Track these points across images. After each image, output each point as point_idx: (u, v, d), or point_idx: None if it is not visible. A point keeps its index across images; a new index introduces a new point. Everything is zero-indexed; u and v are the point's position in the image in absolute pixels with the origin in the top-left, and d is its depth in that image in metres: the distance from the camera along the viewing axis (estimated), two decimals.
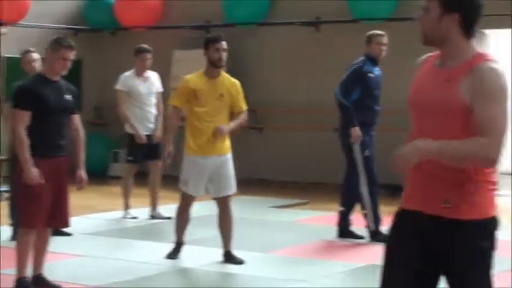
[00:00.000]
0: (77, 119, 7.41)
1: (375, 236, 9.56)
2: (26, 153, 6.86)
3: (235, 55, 13.07)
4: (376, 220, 9.62)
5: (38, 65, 8.87)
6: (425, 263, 3.82)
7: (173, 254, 8.49)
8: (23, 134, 6.92)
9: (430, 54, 3.99)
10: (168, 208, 11.08)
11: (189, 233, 8.90)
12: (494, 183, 3.80)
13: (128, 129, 10.92)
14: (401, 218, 3.91)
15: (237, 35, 14.32)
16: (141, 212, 11.15)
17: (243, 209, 11.33)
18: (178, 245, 8.54)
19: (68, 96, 7.24)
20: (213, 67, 8.21)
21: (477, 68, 3.71)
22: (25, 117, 6.94)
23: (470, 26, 3.83)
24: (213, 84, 8.25)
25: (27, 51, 9.44)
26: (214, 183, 8.36)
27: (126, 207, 11.08)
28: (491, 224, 3.79)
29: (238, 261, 8.39)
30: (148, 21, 16.43)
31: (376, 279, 3.93)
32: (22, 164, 6.90)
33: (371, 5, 14.14)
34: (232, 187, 8.47)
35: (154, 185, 11.09)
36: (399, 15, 13.68)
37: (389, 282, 3.91)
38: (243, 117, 8.57)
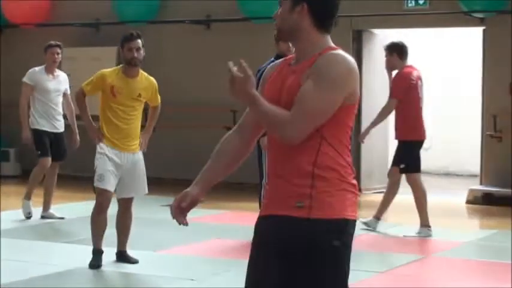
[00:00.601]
0: None
1: None
2: None
3: None
4: None
5: None
6: (281, 264, 3.76)
7: (95, 262, 8.17)
8: None
9: (285, 58, 3.97)
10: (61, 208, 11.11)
11: (79, 233, 8.88)
12: (349, 182, 3.76)
13: (33, 124, 10.73)
14: (259, 226, 3.87)
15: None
16: (34, 211, 10.95)
17: (135, 207, 11.42)
18: (98, 251, 8.20)
19: None
20: (128, 66, 8.12)
21: (320, 57, 3.69)
22: None
23: (322, 18, 3.79)
24: (131, 83, 8.17)
25: None
26: (124, 182, 8.21)
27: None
28: (342, 225, 3.74)
29: (133, 261, 8.31)
30: (38, 19, 16.17)
31: None
32: None
33: (260, 4, 14.27)
34: (141, 189, 8.42)
35: (49, 184, 10.97)
36: None
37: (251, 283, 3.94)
38: (156, 113, 8.72)
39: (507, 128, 13.14)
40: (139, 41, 8.07)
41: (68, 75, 11.08)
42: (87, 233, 8.29)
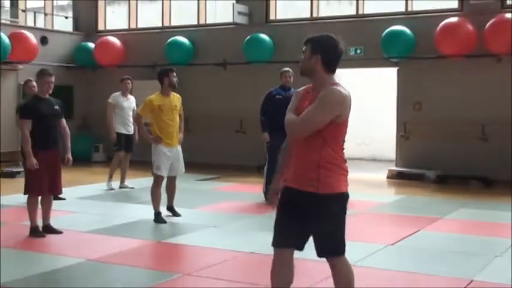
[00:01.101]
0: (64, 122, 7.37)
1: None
2: (28, 148, 6.89)
3: None
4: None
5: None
6: (300, 222, 3.88)
7: (158, 220, 8.02)
8: (27, 134, 6.92)
9: (305, 86, 4.04)
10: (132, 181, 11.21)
11: (143, 197, 8.86)
12: (343, 169, 3.87)
13: (115, 129, 10.77)
14: (285, 192, 3.95)
15: None
16: (115, 184, 11.01)
17: (179, 181, 11.51)
18: (158, 213, 8.05)
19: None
20: (170, 88, 8.07)
21: (323, 90, 3.81)
22: (27, 124, 6.94)
23: (330, 64, 3.88)
24: (169, 100, 8.04)
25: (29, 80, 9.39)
26: (172, 166, 8.09)
27: (110, 179, 10.97)
28: (340, 197, 3.86)
29: (177, 214, 8.31)
30: (116, 62, 16.15)
31: None
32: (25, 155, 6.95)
33: (258, 53, 14.31)
34: (181, 169, 8.30)
35: (124, 166, 11.01)
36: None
37: (282, 232, 3.96)
38: (182, 118, 8.36)
39: (412, 131, 13.29)
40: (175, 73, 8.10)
41: (136, 97, 11.16)
42: (148, 197, 8.32)
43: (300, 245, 3.97)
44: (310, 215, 3.84)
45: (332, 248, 3.93)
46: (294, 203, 3.89)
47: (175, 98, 8.20)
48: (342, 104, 3.79)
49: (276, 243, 3.99)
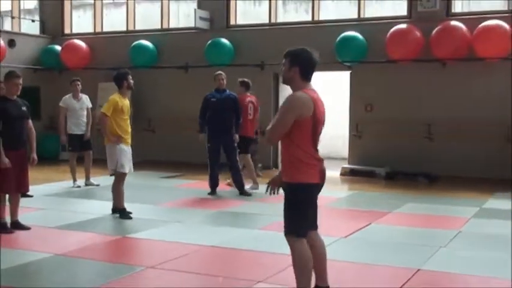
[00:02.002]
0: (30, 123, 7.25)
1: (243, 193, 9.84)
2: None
3: None
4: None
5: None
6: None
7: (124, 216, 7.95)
8: None
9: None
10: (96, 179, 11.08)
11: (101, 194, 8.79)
12: (307, 164, 4.20)
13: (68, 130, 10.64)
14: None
15: None
16: (79, 182, 10.86)
17: (144, 178, 11.43)
18: (124, 209, 8.00)
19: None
20: (128, 90, 8.11)
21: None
22: None
23: (306, 74, 4.25)
24: (127, 102, 8.05)
25: None
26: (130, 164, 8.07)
27: (74, 179, 10.81)
28: (290, 186, 4.25)
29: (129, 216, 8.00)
30: (83, 64, 15.95)
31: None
32: None
33: (219, 57, 14.30)
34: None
35: (88, 165, 10.82)
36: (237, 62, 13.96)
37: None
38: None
39: (364, 130, 13.45)
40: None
41: (101, 98, 10.98)
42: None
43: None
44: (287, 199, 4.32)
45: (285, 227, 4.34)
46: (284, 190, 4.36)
47: (128, 101, 8.24)
48: (302, 105, 4.10)
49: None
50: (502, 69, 12.11)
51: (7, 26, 17.64)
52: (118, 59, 15.46)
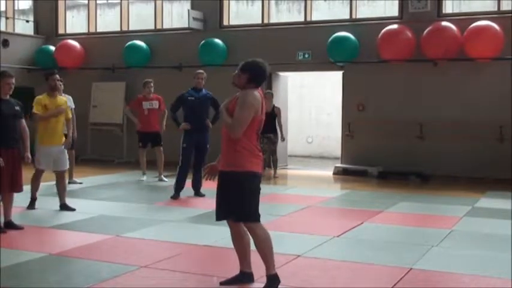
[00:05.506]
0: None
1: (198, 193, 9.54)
2: None
3: None
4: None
5: None
6: (222, 192, 4.71)
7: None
8: None
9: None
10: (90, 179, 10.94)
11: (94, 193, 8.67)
12: (252, 154, 4.60)
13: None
14: (220, 175, 4.74)
15: None
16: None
17: (138, 177, 11.25)
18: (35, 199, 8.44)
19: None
20: (52, 91, 8.20)
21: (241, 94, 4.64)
22: None
23: (256, 81, 4.66)
24: (54, 101, 8.22)
25: None
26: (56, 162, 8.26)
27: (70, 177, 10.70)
28: (242, 174, 4.58)
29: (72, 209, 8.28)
30: (78, 64, 15.87)
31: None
32: None
33: (211, 57, 14.25)
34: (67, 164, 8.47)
35: (72, 163, 10.51)
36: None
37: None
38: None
39: (356, 130, 13.45)
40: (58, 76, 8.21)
41: (95, 98, 10.87)
42: (106, 194, 8.14)
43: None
44: (229, 186, 4.63)
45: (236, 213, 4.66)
46: (223, 180, 4.69)
47: (62, 99, 8.37)
48: (258, 102, 4.57)
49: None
50: (493, 69, 12.16)
51: (1, 26, 17.52)
52: (112, 59, 15.42)
